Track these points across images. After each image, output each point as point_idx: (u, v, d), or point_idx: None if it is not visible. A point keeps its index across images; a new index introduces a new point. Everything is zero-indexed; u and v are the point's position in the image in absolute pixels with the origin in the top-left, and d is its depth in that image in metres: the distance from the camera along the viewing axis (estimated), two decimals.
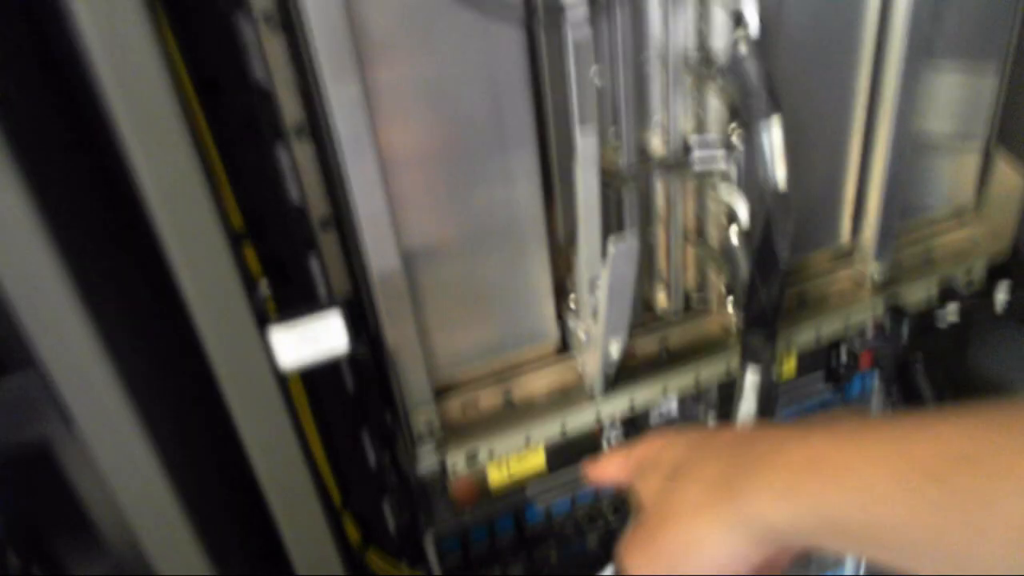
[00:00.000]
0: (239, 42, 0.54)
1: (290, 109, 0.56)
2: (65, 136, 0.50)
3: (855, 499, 0.30)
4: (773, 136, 0.58)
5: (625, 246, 0.57)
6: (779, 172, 0.58)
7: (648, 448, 0.43)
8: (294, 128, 0.56)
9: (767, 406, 0.67)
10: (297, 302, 0.58)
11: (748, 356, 0.66)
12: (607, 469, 0.47)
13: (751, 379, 0.66)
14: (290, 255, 0.62)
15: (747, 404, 0.67)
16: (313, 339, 0.49)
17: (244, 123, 0.56)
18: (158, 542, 0.51)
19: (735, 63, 0.58)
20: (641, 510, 0.40)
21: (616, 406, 0.71)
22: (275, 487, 0.54)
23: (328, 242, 0.62)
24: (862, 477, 0.30)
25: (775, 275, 0.61)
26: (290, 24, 0.52)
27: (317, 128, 0.56)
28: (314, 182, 0.59)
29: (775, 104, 0.57)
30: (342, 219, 0.60)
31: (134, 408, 0.43)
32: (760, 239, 0.61)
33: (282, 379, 0.50)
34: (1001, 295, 0.79)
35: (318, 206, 0.60)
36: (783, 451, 0.33)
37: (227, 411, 0.51)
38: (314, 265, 0.63)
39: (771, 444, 0.34)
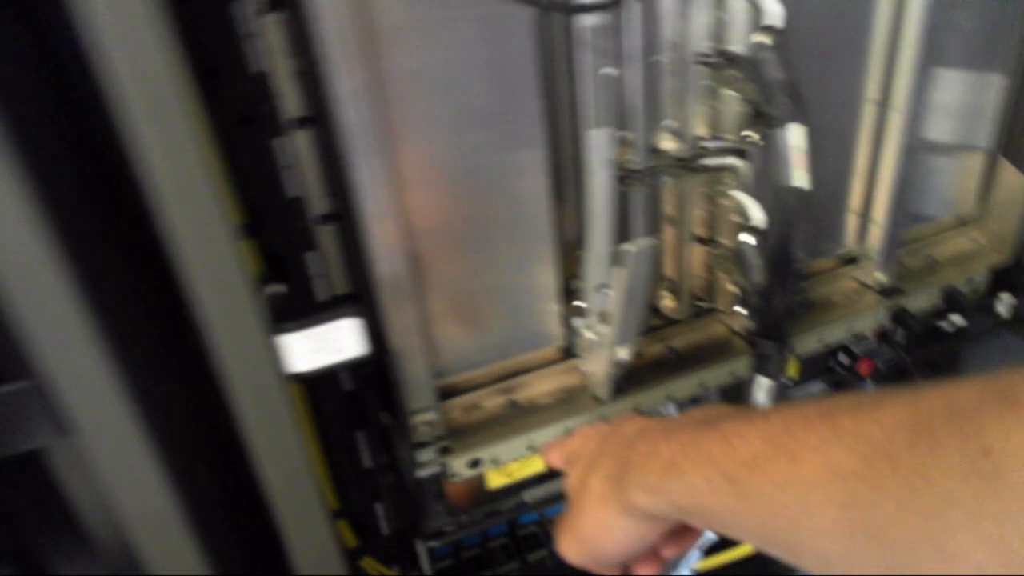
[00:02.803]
0: (238, 29, 0.51)
1: (291, 99, 0.53)
2: (66, 136, 0.47)
3: (685, 491, 0.39)
4: (795, 138, 0.56)
5: (643, 248, 0.55)
6: (800, 175, 0.57)
7: (575, 442, 0.51)
8: (295, 119, 0.54)
9: None
10: (297, 301, 0.56)
11: (761, 360, 0.64)
12: (549, 457, 0.56)
13: (764, 383, 0.64)
14: (288, 252, 0.59)
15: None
16: (329, 345, 0.47)
17: (243, 113, 0.54)
18: (156, 545, 0.49)
19: (756, 58, 0.56)
20: (568, 498, 0.48)
21: (621, 410, 0.70)
22: (280, 492, 0.51)
23: (328, 238, 0.59)
24: (684, 475, 0.39)
25: (791, 280, 0.60)
26: (293, 9, 0.49)
27: (319, 120, 0.53)
28: (314, 175, 0.56)
29: (799, 104, 0.55)
30: (343, 215, 0.57)
31: (136, 414, 0.41)
32: (777, 244, 0.59)
33: (289, 383, 0.48)
34: (1004, 303, 0.78)
35: (318, 201, 0.57)
36: (650, 453, 0.41)
37: (227, 414, 0.48)
38: (312, 262, 0.60)
39: (647, 444, 0.42)
